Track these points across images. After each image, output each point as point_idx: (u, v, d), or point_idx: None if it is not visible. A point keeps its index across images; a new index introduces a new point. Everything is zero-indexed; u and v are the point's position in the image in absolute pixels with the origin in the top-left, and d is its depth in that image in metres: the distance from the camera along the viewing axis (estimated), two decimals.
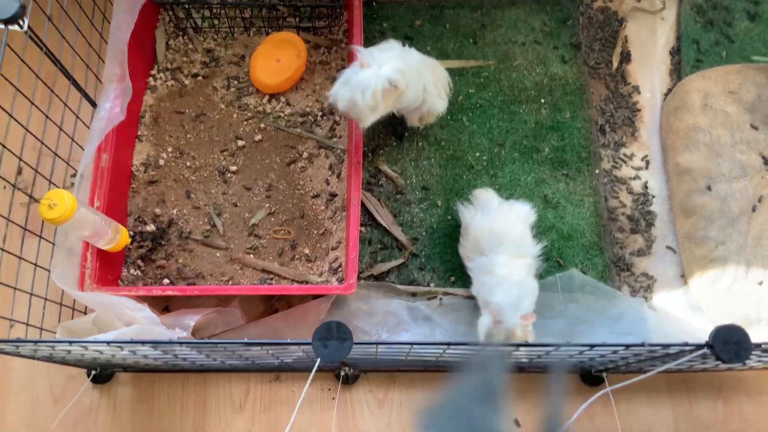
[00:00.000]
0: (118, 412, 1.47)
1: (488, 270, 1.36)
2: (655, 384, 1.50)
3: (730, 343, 0.92)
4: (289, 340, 0.93)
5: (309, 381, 0.95)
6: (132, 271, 1.50)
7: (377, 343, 0.97)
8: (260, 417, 1.47)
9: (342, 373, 1.46)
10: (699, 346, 0.94)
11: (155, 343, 0.98)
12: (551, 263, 1.58)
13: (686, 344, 0.95)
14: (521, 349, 1.05)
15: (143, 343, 0.98)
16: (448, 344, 1.00)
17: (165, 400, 1.48)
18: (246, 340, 0.95)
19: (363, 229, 1.60)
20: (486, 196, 1.49)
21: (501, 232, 1.37)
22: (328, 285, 1.46)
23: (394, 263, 1.57)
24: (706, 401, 1.49)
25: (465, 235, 1.47)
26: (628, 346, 0.97)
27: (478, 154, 1.68)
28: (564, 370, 1.43)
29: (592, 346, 0.98)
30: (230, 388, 1.49)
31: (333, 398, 1.48)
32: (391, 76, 1.33)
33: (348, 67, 1.41)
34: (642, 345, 0.95)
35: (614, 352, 1.05)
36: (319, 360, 0.92)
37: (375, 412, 1.47)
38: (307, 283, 1.48)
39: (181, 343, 0.96)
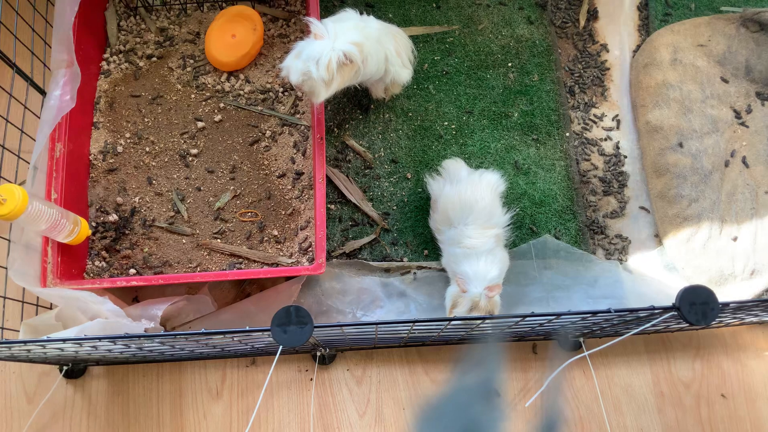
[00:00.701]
0: (93, 406, 1.45)
1: (457, 241, 1.33)
2: (633, 346, 1.50)
3: (696, 305, 0.91)
4: (247, 328, 0.90)
5: (273, 366, 0.94)
6: (97, 262, 1.46)
7: (340, 325, 0.94)
8: (237, 402, 1.45)
9: (318, 354, 1.44)
10: (666, 309, 0.92)
11: (112, 338, 0.95)
12: (524, 230, 1.56)
13: (653, 308, 0.93)
14: (487, 321, 1.03)
15: (100, 338, 0.95)
16: (414, 321, 0.98)
17: (140, 391, 1.46)
18: (203, 330, 0.92)
19: (333, 206, 1.57)
20: (455, 167, 1.46)
21: (470, 202, 1.35)
22: (298, 266, 1.43)
23: (365, 240, 1.54)
24: (684, 360, 1.49)
25: (434, 208, 1.44)
26: (594, 314, 0.95)
27: (446, 123, 1.65)
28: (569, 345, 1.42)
29: (558, 315, 0.96)
30: (206, 376, 1.47)
31: (311, 379, 1.46)
32: (346, 49, 1.28)
33: (304, 39, 1.36)
34: (608, 311, 0.93)
35: (583, 319, 1.03)
36: (281, 347, 0.90)
37: (354, 390, 1.46)
38: (277, 265, 1.45)
39: (138, 336, 0.93)
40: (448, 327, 1.15)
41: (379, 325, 1.00)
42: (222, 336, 0.96)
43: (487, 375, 0.98)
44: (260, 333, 0.91)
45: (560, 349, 1.48)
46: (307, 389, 1.46)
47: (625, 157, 1.64)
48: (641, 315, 1.01)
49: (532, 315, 0.93)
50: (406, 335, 1.19)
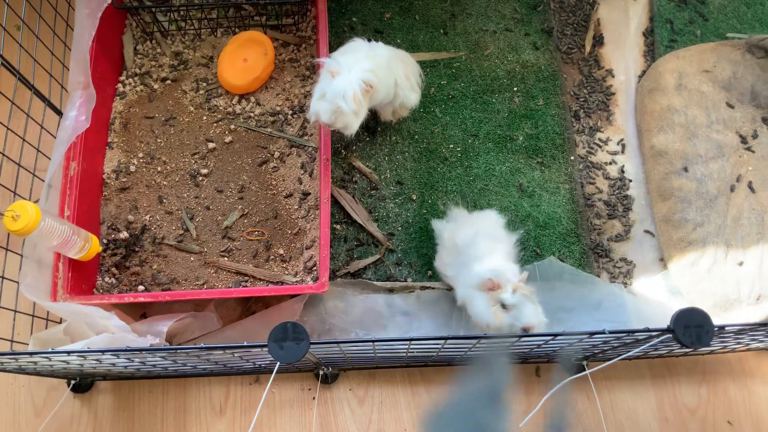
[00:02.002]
0: (99, 422, 1.47)
1: (466, 263, 1.34)
2: (638, 370, 1.49)
3: (691, 327, 0.91)
4: (245, 344, 0.92)
5: (270, 381, 0.95)
6: (107, 279, 1.49)
7: (336, 342, 0.96)
8: (240, 419, 1.46)
9: (321, 373, 1.45)
10: (661, 332, 0.93)
11: (113, 351, 0.97)
12: (528, 252, 1.57)
13: (648, 330, 0.93)
14: (483, 341, 1.04)
15: (103, 352, 0.97)
16: (410, 339, 0.99)
17: (146, 407, 1.48)
18: (202, 345, 0.94)
19: (338, 226, 1.59)
20: (457, 211, 1.49)
21: (474, 227, 1.37)
22: (302, 285, 1.45)
23: (370, 260, 1.56)
24: (690, 386, 1.47)
25: (441, 244, 1.45)
26: (591, 335, 0.96)
27: (452, 145, 1.67)
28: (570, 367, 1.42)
29: (554, 335, 0.96)
30: (210, 393, 1.49)
31: (313, 398, 1.47)
32: (364, 77, 1.33)
33: (316, 80, 1.41)
34: (603, 332, 0.93)
35: (579, 340, 1.04)
36: (278, 363, 0.91)
37: (356, 411, 1.46)
38: (282, 283, 1.47)
39: (139, 349, 0.96)
40: (447, 347, 1.15)
41: (376, 343, 1.01)
42: (222, 351, 0.97)
43: (494, 381, 0.99)
44: (259, 349, 0.93)
45: (564, 372, 1.48)
46: (309, 408, 1.46)
47: (630, 181, 1.64)
48: (639, 337, 1.01)
49: (527, 335, 0.94)
50: (405, 354, 1.19)
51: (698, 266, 1.51)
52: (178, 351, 0.97)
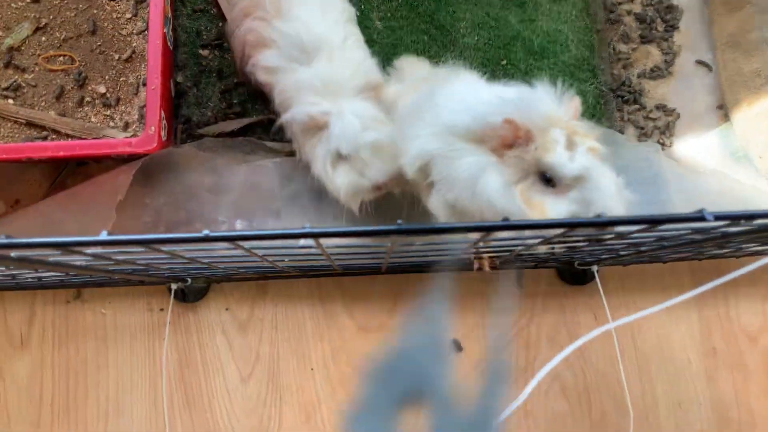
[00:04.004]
0: None
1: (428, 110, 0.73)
2: (674, 279, 0.97)
3: None
4: None
5: None
6: None
7: (102, 242, 0.38)
8: (53, 354, 0.95)
9: (173, 287, 0.90)
10: None
11: None
12: None
13: None
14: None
15: None
16: (302, 235, 0.42)
17: None
18: None
19: (205, 51, 0.99)
20: (407, 63, 0.91)
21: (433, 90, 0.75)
22: (118, 139, 0.85)
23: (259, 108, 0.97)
24: (751, 300, 0.98)
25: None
26: (680, 219, 0.39)
27: None
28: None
29: (571, 225, 0.40)
30: (5, 316, 0.95)
31: (166, 323, 0.93)
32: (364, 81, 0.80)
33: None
34: (700, 217, 0.37)
35: (622, 238, 0.48)
36: None
37: (235, 341, 0.94)
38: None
39: None
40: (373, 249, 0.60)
41: (242, 245, 0.44)
42: None
43: (437, 329, 0.56)
44: None
45: (560, 282, 0.96)
46: (161, 337, 0.93)
47: None
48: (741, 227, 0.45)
49: (510, 226, 0.37)
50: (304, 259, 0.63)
51: None
52: None
